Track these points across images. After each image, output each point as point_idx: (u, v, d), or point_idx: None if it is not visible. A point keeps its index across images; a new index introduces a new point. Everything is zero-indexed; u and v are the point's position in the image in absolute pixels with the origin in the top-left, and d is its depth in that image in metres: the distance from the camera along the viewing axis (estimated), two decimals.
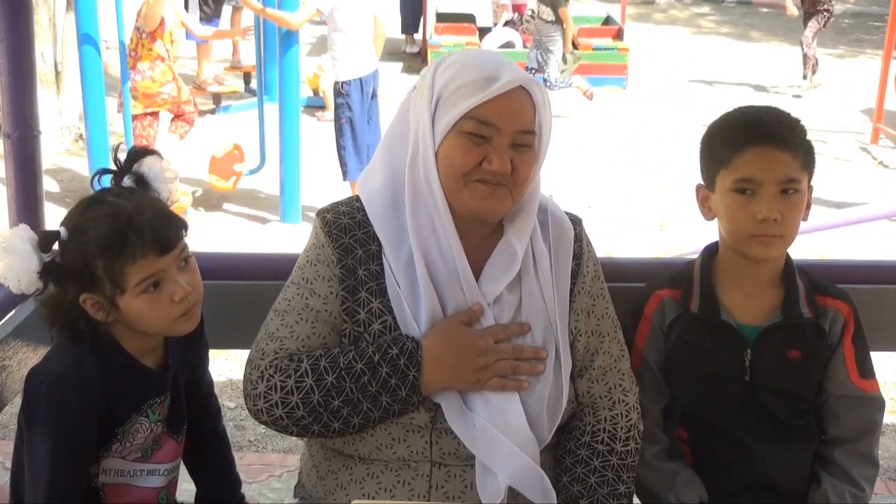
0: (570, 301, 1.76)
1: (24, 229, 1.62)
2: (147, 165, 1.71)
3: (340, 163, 6.43)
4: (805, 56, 11.02)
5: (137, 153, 1.71)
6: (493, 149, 1.62)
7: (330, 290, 1.71)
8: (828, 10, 10.68)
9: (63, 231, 1.61)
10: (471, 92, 1.62)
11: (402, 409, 1.65)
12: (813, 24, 10.71)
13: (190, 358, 1.83)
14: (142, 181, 1.69)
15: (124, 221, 1.57)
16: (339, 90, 6.32)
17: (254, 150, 6.84)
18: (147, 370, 1.71)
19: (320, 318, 1.70)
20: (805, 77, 11.14)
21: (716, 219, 1.92)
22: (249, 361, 1.71)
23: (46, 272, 1.60)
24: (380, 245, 1.71)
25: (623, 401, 1.79)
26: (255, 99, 6.66)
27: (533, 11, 10.36)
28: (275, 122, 6.62)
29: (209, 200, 6.86)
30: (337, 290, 1.70)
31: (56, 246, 1.63)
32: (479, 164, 1.62)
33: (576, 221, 1.83)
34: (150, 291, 1.61)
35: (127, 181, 1.69)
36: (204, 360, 1.91)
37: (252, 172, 6.62)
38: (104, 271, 1.58)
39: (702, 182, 1.93)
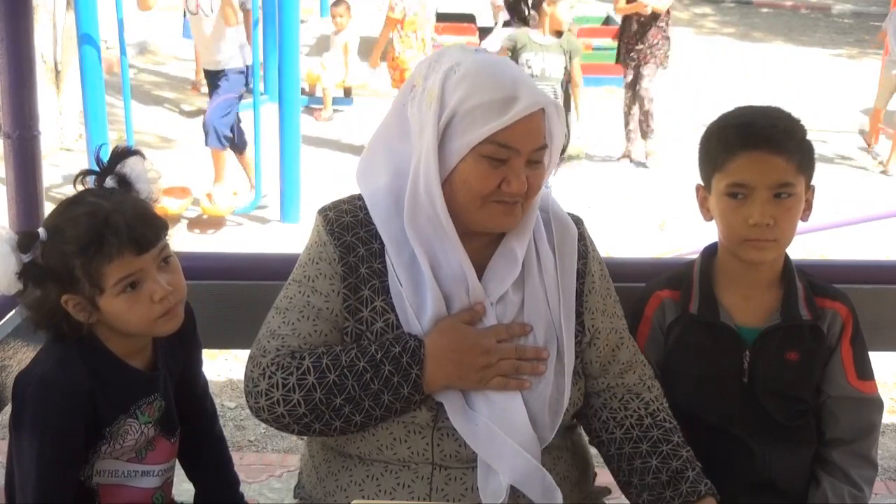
0: (583, 301, 1.77)
1: (3, 229, 1.61)
2: (130, 166, 1.70)
3: (220, 133, 6.45)
4: (648, 115, 8.00)
5: (120, 153, 1.70)
6: (512, 170, 1.62)
7: (332, 287, 1.71)
8: (662, 44, 7.97)
9: (42, 231, 1.61)
10: (489, 115, 1.59)
11: (404, 407, 1.65)
12: (650, 71, 7.93)
13: (181, 359, 1.81)
14: (124, 181, 1.68)
15: (101, 221, 1.57)
16: (245, 72, 6.47)
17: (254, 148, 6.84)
18: (134, 371, 1.70)
19: (322, 316, 1.70)
20: (630, 138, 8.17)
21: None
22: (251, 359, 1.71)
23: (25, 273, 1.60)
24: (382, 243, 1.70)
25: (657, 386, 1.83)
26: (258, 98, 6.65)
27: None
28: (274, 122, 6.62)
29: None
30: (339, 287, 1.70)
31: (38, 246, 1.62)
32: (497, 187, 1.62)
33: (577, 221, 1.83)
34: (129, 291, 1.60)
35: (110, 182, 1.68)
36: (197, 361, 1.89)
37: (244, 211, 6.61)
38: (82, 271, 1.57)
39: (701, 182, 1.93)
